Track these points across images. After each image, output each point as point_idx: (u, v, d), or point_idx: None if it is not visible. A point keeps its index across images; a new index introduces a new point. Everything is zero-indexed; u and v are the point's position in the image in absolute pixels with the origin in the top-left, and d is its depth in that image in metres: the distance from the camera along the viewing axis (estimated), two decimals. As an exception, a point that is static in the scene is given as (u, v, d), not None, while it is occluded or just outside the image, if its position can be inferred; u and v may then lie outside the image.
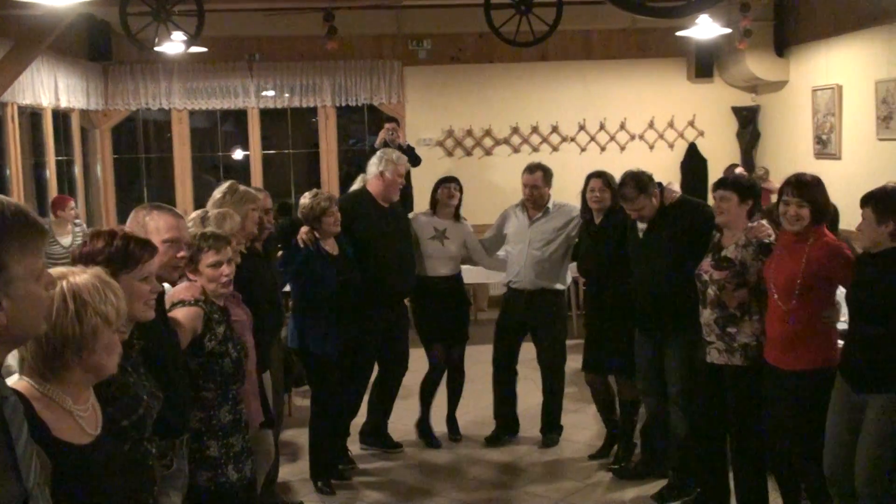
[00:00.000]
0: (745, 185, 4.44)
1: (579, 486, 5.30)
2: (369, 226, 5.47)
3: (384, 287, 5.50)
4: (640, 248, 4.98)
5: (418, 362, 6.02)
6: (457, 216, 5.93)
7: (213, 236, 3.56)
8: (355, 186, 5.82)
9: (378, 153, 5.68)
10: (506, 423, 6.05)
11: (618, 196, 5.00)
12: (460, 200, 5.92)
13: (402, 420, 6.10)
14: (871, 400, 3.70)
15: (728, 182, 4.49)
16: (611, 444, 5.68)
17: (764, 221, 4.45)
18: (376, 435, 5.90)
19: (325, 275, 5.05)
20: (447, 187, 5.88)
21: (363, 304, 5.32)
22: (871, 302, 3.71)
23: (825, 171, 8.83)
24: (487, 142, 10.57)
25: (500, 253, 6.06)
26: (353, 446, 5.80)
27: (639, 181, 4.81)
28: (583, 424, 5.93)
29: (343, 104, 10.32)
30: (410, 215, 6.01)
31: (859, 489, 3.74)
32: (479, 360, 6.19)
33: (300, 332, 5.10)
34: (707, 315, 4.41)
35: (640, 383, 5.16)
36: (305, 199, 5.15)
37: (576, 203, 5.67)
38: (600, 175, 5.38)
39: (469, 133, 10.53)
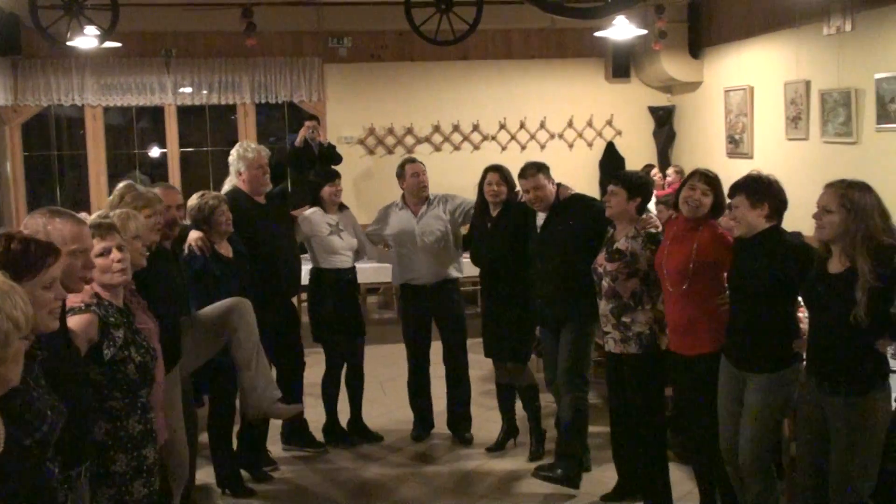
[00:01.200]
0: (635, 183, 4.61)
1: (493, 481, 5.33)
2: (250, 224, 5.34)
3: (274, 284, 5.43)
4: (538, 243, 5.14)
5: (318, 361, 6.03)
6: (340, 206, 5.94)
7: (95, 225, 3.23)
8: (226, 188, 5.64)
9: (232, 151, 5.57)
10: (424, 418, 6.08)
11: (518, 177, 5.18)
12: None
13: (323, 419, 6.07)
14: (751, 379, 3.87)
15: (619, 178, 4.67)
16: (506, 438, 5.76)
17: (652, 213, 4.63)
18: (297, 435, 5.86)
19: (224, 280, 4.89)
20: (335, 184, 5.85)
21: (255, 303, 5.22)
22: (751, 285, 3.86)
23: (738, 169, 9.04)
24: (409, 140, 10.58)
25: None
26: (276, 447, 5.76)
27: (536, 163, 5.17)
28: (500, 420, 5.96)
29: (262, 101, 10.23)
30: (298, 214, 5.86)
31: (743, 467, 3.91)
32: (402, 357, 6.18)
33: None
34: (604, 306, 4.60)
35: (547, 375, 5.30)
36: (193, 200, 4.95)
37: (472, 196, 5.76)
38: (497, 169, 5.53)
39: (390, 131, 10.53)
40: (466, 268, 6.08)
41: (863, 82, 7.33)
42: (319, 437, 5.93)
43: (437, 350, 6.05)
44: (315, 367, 5.96)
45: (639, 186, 4.60)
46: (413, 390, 6.05)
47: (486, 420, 6.07)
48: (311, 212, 5.88)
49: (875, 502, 3.23)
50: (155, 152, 10.57)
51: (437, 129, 10.61)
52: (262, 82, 10.14)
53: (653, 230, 4.55)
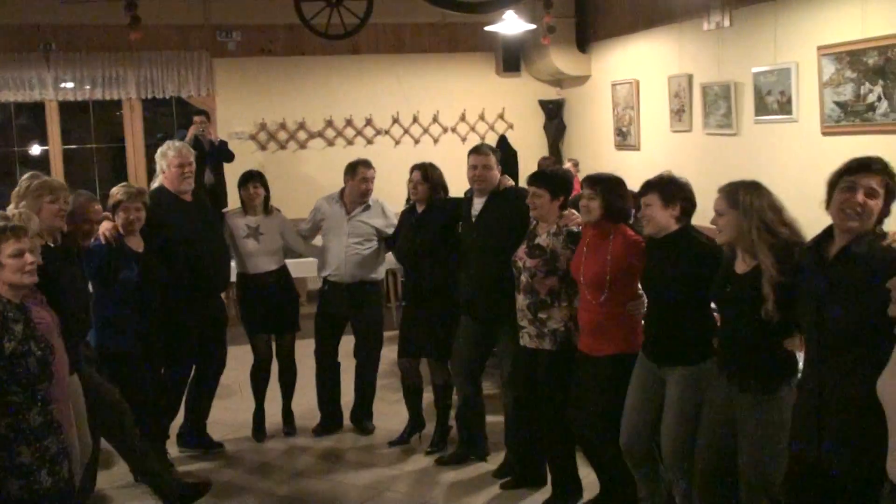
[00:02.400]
0: (557, 183, 4.62)
1: (397, 473, 5.37)
2: (174, 221, 5.34)
3: (197, 282, 5.41)
4: (470, 233, 5.16)
5: (239, 359, 6.00)
6: (267, 209, 5.91)
7: (9, 227, 3.36)
8: (154, 185, 5.70)
9: (158, 150, 5.60)
10: (330, 414, 6.09)
11: (469, 153, 5.23)
12: (268, 194, 5.91)
13: (223, 419, 6.00)
14: (671, 374, 3.94)
15: (541, 178, 4.64)
16: (411, 432, 5.81)
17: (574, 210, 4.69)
18: (195, 436, 5.77)
19: (126, 272, 4.86)
20: (247, 188, 5.84)
21: (176, 301, 5.20)
22: (665, 290, 3.94)
23: (626, 161, 9.35)
24: (301, 135, 10.49)
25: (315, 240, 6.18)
26: (172, 448, 5.64)
27: (491, 146, 5.33)
28: (404, 414, 6.00)
29: (149, 97, 9.95)
30: (226, 211, 5.95)
31: (666, 460, 3.98)
32: (304, 354, 6.17)
33: (98, 328, 4.86)
34: (521, 300, 4.61)
35: (456, 366, 5.33)
36: (114, 189, 5.03)
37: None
38: (419, 167, 5.55)
39: (282, 126, 10.42)
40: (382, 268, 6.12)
41: (741, 76, 7.62)
42: (220, 435, 5.86)
43: (345, 345, 6.07)
44: (233, 362, 5.96)
45: (561, 185, 4.61)
46: (321, 386, 6.06)
47: (388, 414, 6.11)
48: (233, 212, 5.94)
49: (785, 491, 3.30)
50: (36, 150, 10.19)
51: (329, 123, 10.55)
52: (148, 77, 9.88)
53: (574, 228, 4.51)
